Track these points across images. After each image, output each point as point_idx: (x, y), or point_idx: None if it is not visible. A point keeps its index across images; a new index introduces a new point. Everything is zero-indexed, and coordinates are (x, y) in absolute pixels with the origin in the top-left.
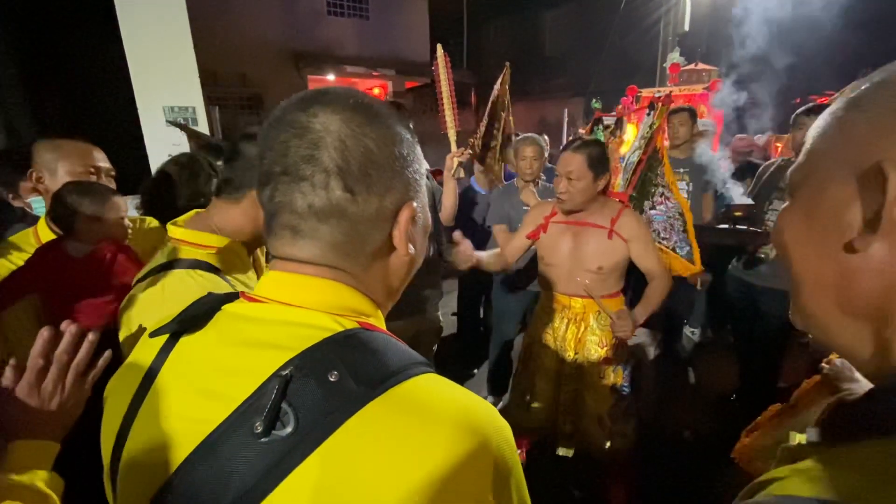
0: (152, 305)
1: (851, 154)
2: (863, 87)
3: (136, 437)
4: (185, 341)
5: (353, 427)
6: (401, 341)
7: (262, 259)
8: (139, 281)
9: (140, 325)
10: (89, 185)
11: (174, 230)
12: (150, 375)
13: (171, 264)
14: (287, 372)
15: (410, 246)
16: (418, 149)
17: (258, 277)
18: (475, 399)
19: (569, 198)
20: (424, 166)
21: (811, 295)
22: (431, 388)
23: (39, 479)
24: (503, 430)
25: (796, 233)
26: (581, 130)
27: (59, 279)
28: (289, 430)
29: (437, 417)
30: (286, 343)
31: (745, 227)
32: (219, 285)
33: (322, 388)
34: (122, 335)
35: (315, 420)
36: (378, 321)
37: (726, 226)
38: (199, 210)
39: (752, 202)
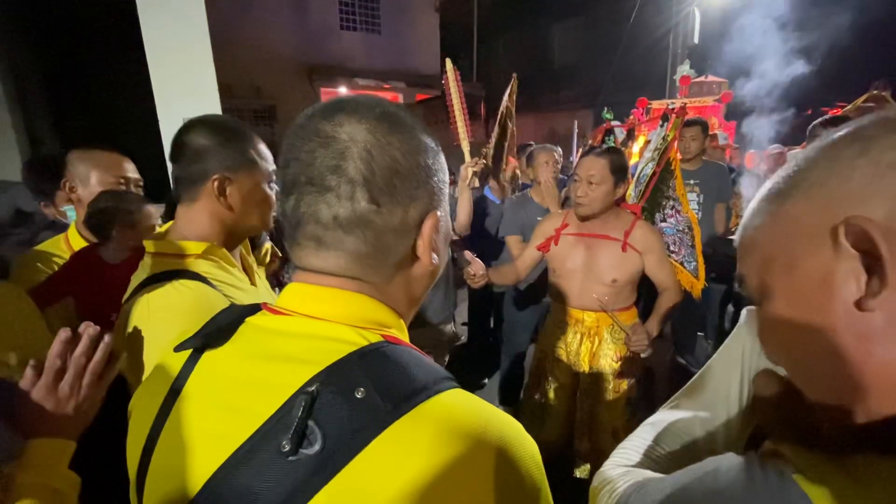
0: (140, 324)
1: (810, 228)
2: (786, 175)
3: (161, 452)
4: (209, 355)
5: (380, 446)
6: (425, 354)
7: (251, 259)
8: (127, 300)
9: (131, 346)
10: (125, 194)
11: (150, 244)
12: (175, 390)
13: (152, 279)
14: (313, 388)
15: (434, 255)
16: (442, 157)
17: (249, 278)
18: (502, 416)
19: (588, 202)
20: (448, 174)
21: (830, 377)
22: (458, 405)
23: (56, 477)
24: (530, 449)
25: (792, 328)
26: (590, 141)
27: (93, 284)
28: (316, 448)
29: (462, 434)
30: (311, 357)
31: None
32: (204, 293)
33: (348, 405)
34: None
35: (342, 438)
36: (401, 332)
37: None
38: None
39: None
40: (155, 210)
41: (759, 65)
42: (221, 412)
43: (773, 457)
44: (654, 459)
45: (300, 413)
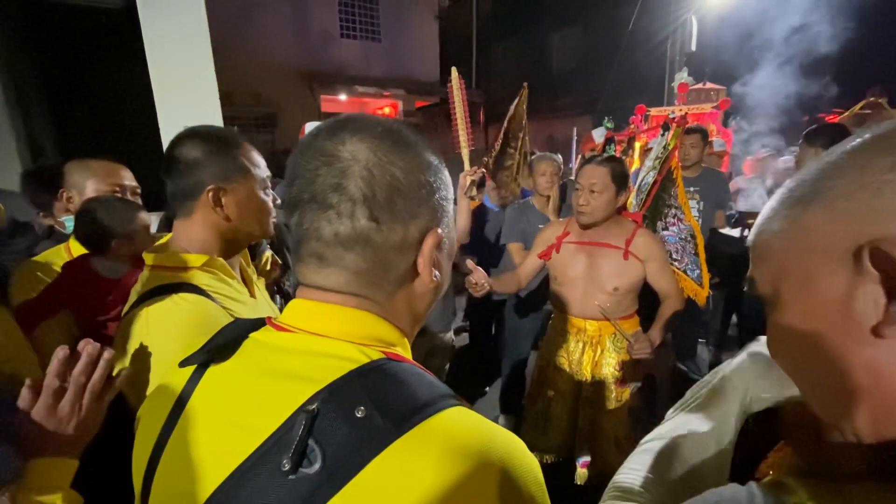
0: (139, 338)
1: (830, 243)
2: (808, 180)
3: (166, 466)
4: (213, 371)
5: (380, 465)
6: (428, 371)
7: (250, 270)
8: (126, 313)
9: (130, 360)
10: (116, 201)
11: (150, 257)
12: (180, 405)
13: (152, 293)
14: (314, 407)
15: (435, 272)
16: (445, 174)
17: (249, 290)
18: (504, 434)
19: (590, 211)
20: (451, 191)
21: (837, 395)
22: (458, 423)
23: (58, 496)
24: (532, 467)
25: (802, 342)
26: (582, 147)
27: (89, 295)
28: (316, 467)
29: (464, 453)
30: (312, 375)
31: None
32: (203, 306)
33: (349, 425)
34: (115, 372)
35: (342, 457)
36: (404, 350)
37: (738, 232)
38: (170, 234)
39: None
40: (148, 217)
41: (756, 71)
42: (225, 428)
43: (775, 487)
44: (651, 486)
45: (300, 432)
